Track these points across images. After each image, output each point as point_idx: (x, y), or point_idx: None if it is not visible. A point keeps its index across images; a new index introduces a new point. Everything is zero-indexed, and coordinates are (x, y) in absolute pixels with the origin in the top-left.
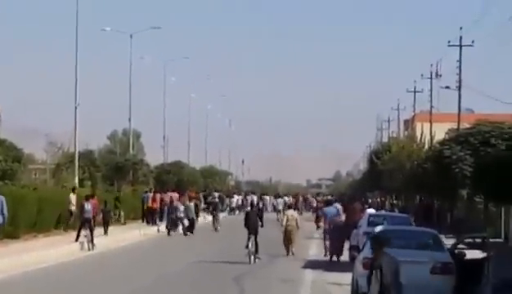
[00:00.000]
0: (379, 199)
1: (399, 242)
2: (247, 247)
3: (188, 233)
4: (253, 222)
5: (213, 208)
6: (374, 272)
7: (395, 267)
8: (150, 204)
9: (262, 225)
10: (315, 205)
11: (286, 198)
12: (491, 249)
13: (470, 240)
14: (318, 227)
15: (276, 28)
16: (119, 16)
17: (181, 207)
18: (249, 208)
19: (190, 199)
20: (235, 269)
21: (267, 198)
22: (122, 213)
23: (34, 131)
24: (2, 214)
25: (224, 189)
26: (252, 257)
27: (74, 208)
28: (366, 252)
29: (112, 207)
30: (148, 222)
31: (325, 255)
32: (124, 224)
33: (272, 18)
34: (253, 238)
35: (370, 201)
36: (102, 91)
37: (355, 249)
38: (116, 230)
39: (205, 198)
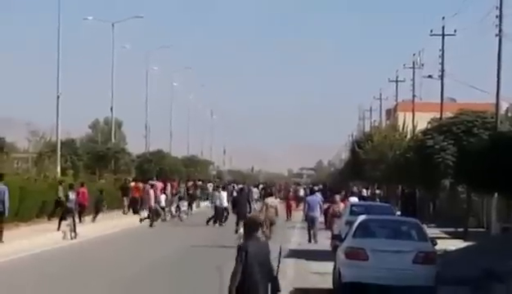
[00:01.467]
0: (361, 189)
1: (382, 231)
2: (237, 231)
3: (218, 224)
4: (242, 207)
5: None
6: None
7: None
8: (132, 194)
9: (250, 211)
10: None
11: (255, 190)
12: None
13: (452, 230)
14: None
15: (258, 18)
16: (100, 6)
17: (163, 197)
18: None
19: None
20: (223, 253)
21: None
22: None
23: (16, 120)
24: (3, 203)
25: (206, 179)
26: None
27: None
28: (349, 241)
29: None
30: (129, 211)
31: (310, 241)
32: (126, 214)
33: (255, 8)
34: (242, 222)
35: (355, 190)
36: (84, 79)
37: (337, 238)
38: (101, 219)
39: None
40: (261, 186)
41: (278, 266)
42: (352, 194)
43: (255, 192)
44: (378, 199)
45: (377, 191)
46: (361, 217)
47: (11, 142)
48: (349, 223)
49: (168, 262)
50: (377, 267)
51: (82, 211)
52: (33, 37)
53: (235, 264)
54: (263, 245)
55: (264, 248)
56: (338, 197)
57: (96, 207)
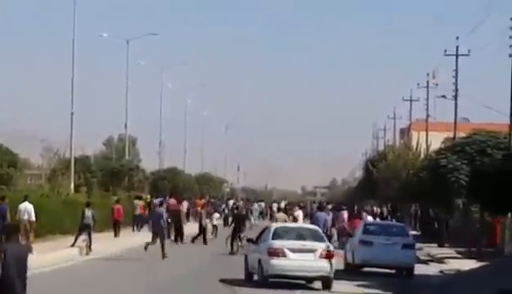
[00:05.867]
0: (374, 207)
1: (292, 235)
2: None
3: None
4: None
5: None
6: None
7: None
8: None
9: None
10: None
11: (256, 205)
12: None
13: (465, 249)
14: None
15: (272, 37)
16: (115, 22)
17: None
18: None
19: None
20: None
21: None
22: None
23: (30, 136)
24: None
25: (219, 196)
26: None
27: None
28: (269, 243)
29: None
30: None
31: None
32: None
33: (270, 26)
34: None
35: (374, 209)
36: (99, 96)
37: (250, 241)
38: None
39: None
40: (275, 205)
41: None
42: (368, 213)
43: (255, 209)
44: (388, 218)
45: (383, 209)
46: (275, 225)
47: (24, 158)
48: (363, 242)
49: (180, 279)
50: (293, 261)
51: (117, 226)
52: (48, 52)
53: None
54: (23, 248)
55: (23, 251)
56: (366, 215)
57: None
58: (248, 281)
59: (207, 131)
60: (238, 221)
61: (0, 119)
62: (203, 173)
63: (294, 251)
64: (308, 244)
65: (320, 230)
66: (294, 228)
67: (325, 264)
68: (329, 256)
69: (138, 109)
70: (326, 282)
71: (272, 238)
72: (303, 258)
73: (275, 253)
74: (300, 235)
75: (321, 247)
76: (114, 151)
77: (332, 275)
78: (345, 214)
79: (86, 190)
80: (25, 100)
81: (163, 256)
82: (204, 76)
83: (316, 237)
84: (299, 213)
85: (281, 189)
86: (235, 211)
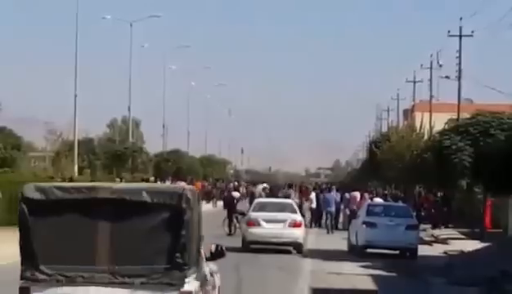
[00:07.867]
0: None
1: (270, 208)
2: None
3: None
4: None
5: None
6: None
7: None
8: None
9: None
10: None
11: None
12: None
13: (469, 230)
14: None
15: (275, 17)
16: (119, 5)
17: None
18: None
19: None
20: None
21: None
22: None
23: (34, 119)
24: None
25: (224, 178)
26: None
27: None
28: (249, 215)
29: None
30: None
31: (328, 232)
32: None
33: (272, 7)
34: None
35: (378, 191)
36: (102, 79)
37: (242, 214)
38: None
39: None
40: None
41: None
42: (376, 195)
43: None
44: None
45: (386, 191)
46: (258, 200)
47: (28, 141)
48: (367, 223)
49: None
50: (266, 230)
51: None
52: (51, 36)
53: None
54: None
55: None
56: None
57: None
58: (243, 247)
59: (211, 114)
60: (230, 203)
61: (4, 103)
62: (206, 155)
63: (267, 221)
64: (280, 215)
65: (293, 204)
66: (272, 202)
67: (293, 231)
68: (296, 225)
69: (142, 92)
70: (296, 247)
71: (252, 211)
72: (275, 227)
73: (252, 223)
74: (276, 208)
75: (290, 217)
76: (118, 133)
77: (301, 241)
78: (358, 196)
79: (89, 172)
80: (31, 85)
81: None
82: (207, 58)
83: (288, 209)
84: (313, 195)
85: (285, 171)
86: (225, 193)
